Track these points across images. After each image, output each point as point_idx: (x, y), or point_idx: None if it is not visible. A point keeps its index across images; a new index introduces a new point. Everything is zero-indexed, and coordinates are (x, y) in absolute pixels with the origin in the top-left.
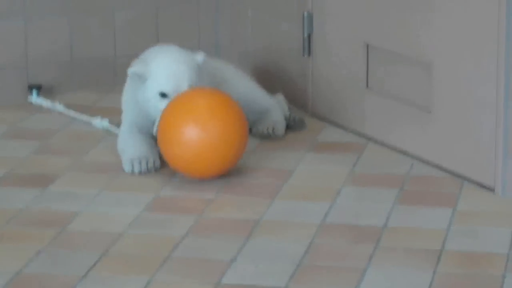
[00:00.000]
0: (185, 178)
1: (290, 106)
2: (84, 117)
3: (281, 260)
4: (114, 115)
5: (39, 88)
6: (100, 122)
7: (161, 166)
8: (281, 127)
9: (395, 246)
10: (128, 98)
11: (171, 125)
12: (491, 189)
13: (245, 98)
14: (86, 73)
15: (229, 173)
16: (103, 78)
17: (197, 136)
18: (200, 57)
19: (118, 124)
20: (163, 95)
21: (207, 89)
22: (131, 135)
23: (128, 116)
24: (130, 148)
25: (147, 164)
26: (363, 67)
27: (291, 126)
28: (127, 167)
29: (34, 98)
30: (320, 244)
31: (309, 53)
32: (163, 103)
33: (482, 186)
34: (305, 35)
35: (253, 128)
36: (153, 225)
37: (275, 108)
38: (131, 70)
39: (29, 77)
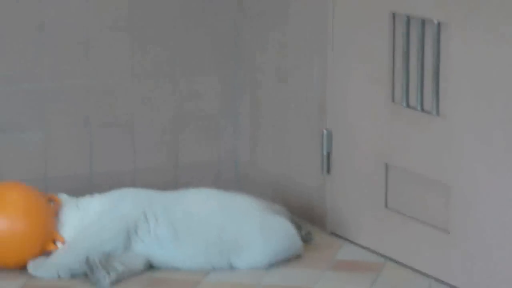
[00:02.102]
0: None
1: (305, 221)
2: None
3: None
4: None
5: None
6: None
7: (178, 283)
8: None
9: None
10: None
11: None
12: None
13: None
14: (105, 187)
15: None
16: None
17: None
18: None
19: None
20: None
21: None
22: None
23: None
24: None
25: None
26: (382, 186)
27: (303, 238)
28: None
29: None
30: None
31: (328, 171)
32: None
33: None
34: (324, 153)
35: None
36: None
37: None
38: None
39: (47, 189)
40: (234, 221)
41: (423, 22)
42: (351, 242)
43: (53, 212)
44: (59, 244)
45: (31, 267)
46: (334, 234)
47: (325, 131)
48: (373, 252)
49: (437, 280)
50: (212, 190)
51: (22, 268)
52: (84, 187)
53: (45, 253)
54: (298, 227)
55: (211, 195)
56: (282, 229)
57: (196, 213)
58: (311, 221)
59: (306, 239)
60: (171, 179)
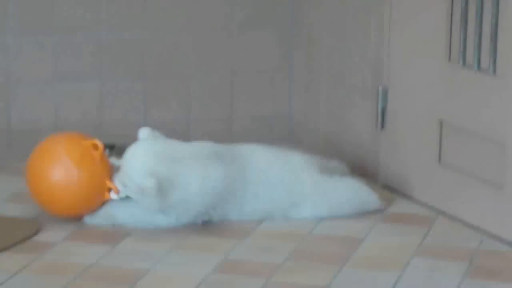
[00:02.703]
0: (254, 242)
1: (361, 177)
2: None
3: None
4: None
5: (112, 148)
6: None
7: (232, 228)
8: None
9: None
10: None
11: (37, 167)
12: None
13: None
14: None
15: (300, 239)
16: None
17: (58, 178)
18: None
19: None
20: None
21: (70, 136)
22: None
23: None
24: None
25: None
26: (436, 142)
27: None
28: None
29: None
30: None
31: (383, 126)
32: None
33: None
34: (379, 108)
35: None
36: (221, 287)
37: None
38: None
39: (102, 137)
40: (292, 177)
41: None
42: (404, 195)
43: (108, 162)
44: (113, 195)
45: (87, 217)
46: (387, 188)
47: (380, 87)
48: (425, 206)
49: (489, 234)
50: (267, 147)
51: (74, 217)
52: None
53: (101, 203)
54: None
55: (270, 152)
56: (344, 186)
57: (262, 170)
58: (364, 175)
59: None
60: (225, 132)
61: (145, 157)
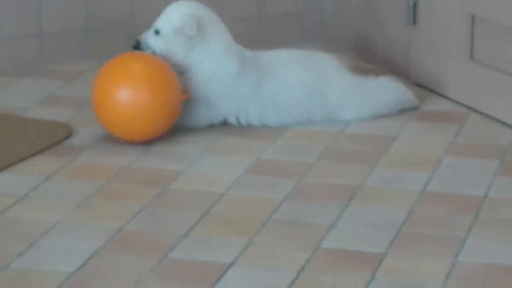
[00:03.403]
0: (285, 142)
1: (393, 75)
2: None
3: (381, 227)
4: None
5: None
6: None
7: (263, 130)
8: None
9: (495, 218)
10: None
11: (105, 88)
12: None
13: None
14: None
15: (332, 139)
16: None
17: (127, 99)
18: (181, 20)
19: None
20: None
21: (140, 53)
22: None
23: None
24: None
25: None
26: (468, 38)
27: None
28: None
29: None
30: (420, 212)
31: (414, 22)
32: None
33: None
34: (411, 3)
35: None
36: (254, 188)
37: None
38: None
39: (135, 38)
40: (327, 84)
41: None
42: (435, 93)
43: (179, 85)
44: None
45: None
46: (418, 85)
47: None
48: (458, 103)
49: None
50: (297, 53)
51: (145, 142)
52: None
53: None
54: None
55: (299, 63)
56: (381, 86)
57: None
58: (395, 72)
59: None
60: (255, 30)
61: (183, 5)
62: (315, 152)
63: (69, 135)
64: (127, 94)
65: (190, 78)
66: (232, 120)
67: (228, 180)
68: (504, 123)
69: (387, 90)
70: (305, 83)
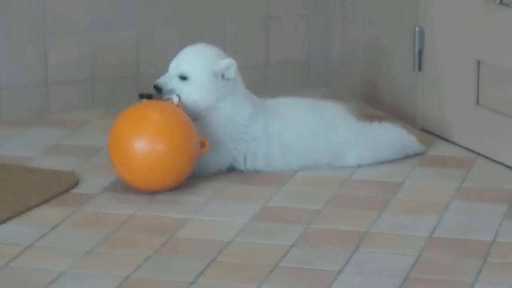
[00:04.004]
0: (292, 188)
1: (399, 120)
2: None
3: (389, 272)
4: None
5: (149, 98)
6: None
7: (269, 176)
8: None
9: (503, 263)
10: None
11: (122, 136)
12: None
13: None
14: None
15: (339, 185)
16: None
17: (146, 149)
18: (223, 63)
19: None
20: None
21: (159, 102)
22: None
23: None
24: None
25: None
26: (474, 83)
27: None
28: None
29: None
30: (428, 257)
31: (420, 68)
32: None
33: None
34: (416, 50)
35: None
36: (261, 235)
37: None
38: None
39: (140, 87)
40: (332, 128)
41: None
42: (442, 138)
43: (195, 132)
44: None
45: None
46: (425, 130)
47: (417, 28)
48: (464, 148)
49: None
50: (302, 99)
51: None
52: None
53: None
54: None
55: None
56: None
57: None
58: (402, 118)
59: None
60: (262, 77)
61: (214, 48)
62: (321, 198)
63: (75, 184)
64: (145, 145)
65: (207, 123)
66: (239, 165)
67: (235, 227)
68: (510, 168)
69: (390, 134)
70: (310, 123)
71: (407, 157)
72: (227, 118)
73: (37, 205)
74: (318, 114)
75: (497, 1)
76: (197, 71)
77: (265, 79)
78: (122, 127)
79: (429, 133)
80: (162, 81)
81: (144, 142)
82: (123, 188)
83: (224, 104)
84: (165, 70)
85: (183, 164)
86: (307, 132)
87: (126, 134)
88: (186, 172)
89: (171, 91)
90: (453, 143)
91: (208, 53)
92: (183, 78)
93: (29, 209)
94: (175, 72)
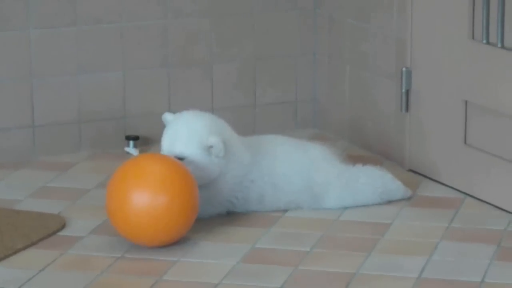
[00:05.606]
0: (280, 230)
1: (387, 160)
2: None
3: None
4: None
5: (136, 139)
6: None
7: (257, 217)
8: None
9: None
10: None
11: (120, 190)
12: None
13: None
14: None
15: (327, 226)
16: None
17: (145, 203)
18: (210, 142)
19: None
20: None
21: (158, 155)
22: None
23: None
24: None
25: None
26: (461, 123)
27: None
28: None
29: (131, 148)
30: None
31: (407, 108)
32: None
33: None
34: (403, 90)
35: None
36: (249, 277)
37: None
38: None
39: (127, 129)
40: (313, 168)
41: None
42: (430, 179)
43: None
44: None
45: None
46: (412, 171)
47: (404, 69)
48: (452, 188)
49: None
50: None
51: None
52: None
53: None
54: None
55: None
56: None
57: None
58: (389, 158)
59: None
60: (249, 119)
61: (203, 120)
62: (310, 239)
63: (62, 226)
64: (146, 199)
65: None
66: (236, 209)
67: (223, 269)
68: (498, 208)
69: (372, 177)
70: (293, 160)
71: (390, 201)
72: (232, 178)
73: (24, 248)
74: (300, 151)
75: (484, 41)
76: (191, 151)
77: (253, 120)
78: (118, 182)
79: (417, 173)
80: None
81: (142, 196)
82: (110, 230)
83: (226, 171)
84: (152, 111)
85: (185, 217)
86: (290, 168)
87: (123, 190)
88: (187, 226)
89: None
90: (441, 183)
91: (199, 128)
92: (180, 159)
93: (16, 252)
94: (171, 154)
